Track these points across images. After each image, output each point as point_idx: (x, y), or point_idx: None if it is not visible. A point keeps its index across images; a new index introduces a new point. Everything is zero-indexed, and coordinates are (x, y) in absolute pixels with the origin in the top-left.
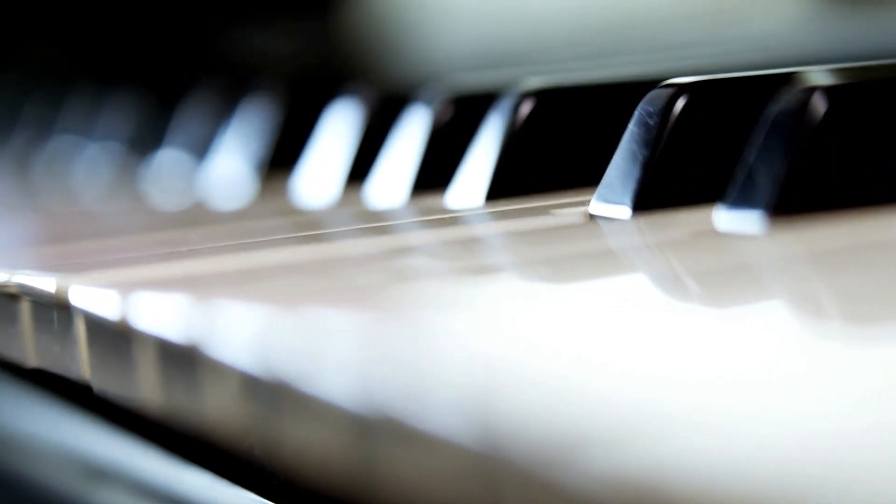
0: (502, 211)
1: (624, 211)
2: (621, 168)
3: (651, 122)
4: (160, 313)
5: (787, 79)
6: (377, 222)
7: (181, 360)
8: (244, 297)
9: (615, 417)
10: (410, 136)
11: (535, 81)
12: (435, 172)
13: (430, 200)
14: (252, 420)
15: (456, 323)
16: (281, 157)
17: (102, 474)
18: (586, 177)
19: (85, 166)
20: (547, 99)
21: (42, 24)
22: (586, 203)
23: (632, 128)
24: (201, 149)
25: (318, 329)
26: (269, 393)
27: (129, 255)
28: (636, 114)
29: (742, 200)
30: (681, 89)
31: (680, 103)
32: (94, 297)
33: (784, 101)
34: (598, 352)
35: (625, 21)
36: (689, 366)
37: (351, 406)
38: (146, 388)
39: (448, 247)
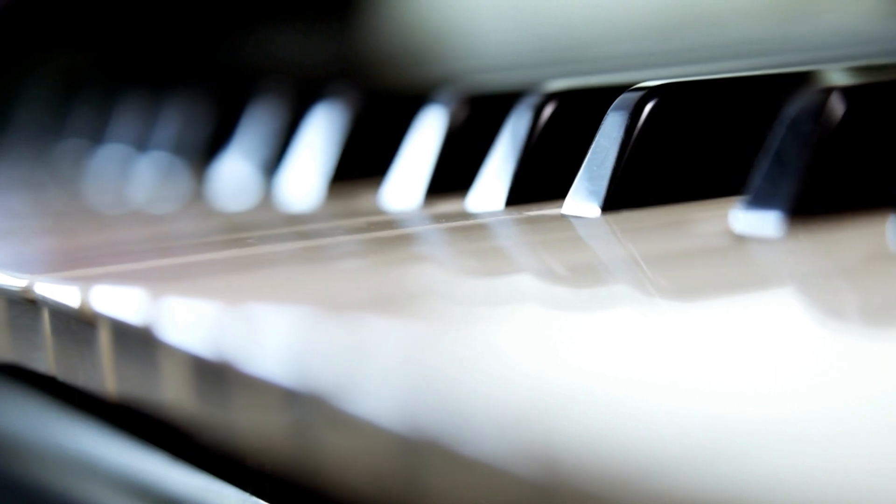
0: (629, 226)
1: (776, 226)
2: (770, 178)
3: (804, 127)
4: (262, 347)
5: None
6: (484, 236)
7: (301, 404)
8: (376, 326)
9: None
10: (509, 140)
11: (655, 80)
12: (538, 179)
13: (537, 209)
14: (399, 479)
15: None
16: (356, 167)
17: None
18: (713, 183)
19: (142, 176)
20: (670, 98)
21: (94, 31)
22: (724, 215)
23: (782, 133)
24: (266, 157)
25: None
26: (415, 451)
27: (209, 271)
28: (787, 118)
29: None
30: (837, 92)
31: (838, 108)
32: (186, 326)
33: None
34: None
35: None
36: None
37: (513, 467)
38: (251, 423)
39: (574, 270)
